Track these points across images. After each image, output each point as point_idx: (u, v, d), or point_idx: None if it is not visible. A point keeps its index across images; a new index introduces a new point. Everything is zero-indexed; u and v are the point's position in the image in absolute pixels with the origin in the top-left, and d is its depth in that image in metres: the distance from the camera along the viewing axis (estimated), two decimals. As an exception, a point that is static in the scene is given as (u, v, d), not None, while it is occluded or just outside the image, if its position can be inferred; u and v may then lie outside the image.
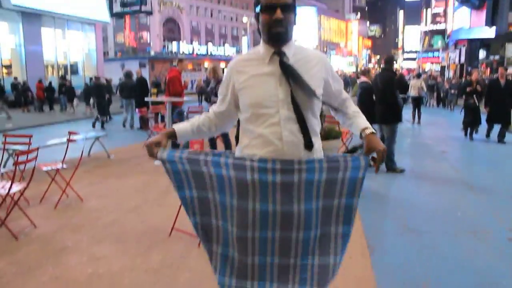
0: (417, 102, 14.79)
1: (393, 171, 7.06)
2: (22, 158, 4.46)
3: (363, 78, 8.03)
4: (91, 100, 16.33)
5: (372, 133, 1.96)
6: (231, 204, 1.86)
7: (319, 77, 1.92)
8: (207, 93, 8.03)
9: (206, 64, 55.74)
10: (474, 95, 10.61)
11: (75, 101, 19.17)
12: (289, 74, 1.83)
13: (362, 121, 2.03)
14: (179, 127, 2.06)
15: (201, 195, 1.96)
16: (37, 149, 4.55)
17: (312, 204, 1.84)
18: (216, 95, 6.69)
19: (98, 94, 14.36)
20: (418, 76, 16.19)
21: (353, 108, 2.10)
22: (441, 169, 7.50)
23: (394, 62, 7.92)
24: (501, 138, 10.24)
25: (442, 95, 22.00)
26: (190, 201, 1.99)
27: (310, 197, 1.83)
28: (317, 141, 1.92)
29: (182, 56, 50.32)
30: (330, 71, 2.00)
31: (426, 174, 7.10)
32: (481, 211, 5.22)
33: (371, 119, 7.42)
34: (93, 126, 13.47)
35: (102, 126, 13.44)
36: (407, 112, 15.18)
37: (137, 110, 12.08)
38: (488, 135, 10.71)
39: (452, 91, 20.03)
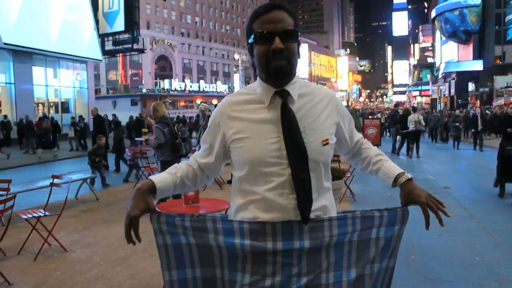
0: (416, 136, 14.54)
1: None
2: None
3: None
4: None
5: (409, 179, 1.61)
6: (241, 284, 1.45)
7: (331, 122, 1.55)
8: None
9: (199, 101, 56.06)
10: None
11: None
12: (287, 128, 1.44)
13: (392, 165, 1.67)
14: (159, 180, 1.54)
15: (207, 274, 1.55)
16: (14, 196, 4.12)
17: (342, 275, 1.48)
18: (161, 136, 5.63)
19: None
20: (414, 109, 15.97)
21: (374, 150, 1.74)
22: (448, 208, 7.08)
23: None
24: None
25: (440, 128, 21.57)
26: (193, 284, 1.57)
27: (340, 267, 1.48)
28: (328, 199, 1.55)
29: (174, 93, 50.64)
30: (342, 111, 1.62)
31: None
32: (501, 255, 4.81)
33: None
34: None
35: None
36: (404, 145, 15.02)
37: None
38: None
39: (457, 124, 18.57)
